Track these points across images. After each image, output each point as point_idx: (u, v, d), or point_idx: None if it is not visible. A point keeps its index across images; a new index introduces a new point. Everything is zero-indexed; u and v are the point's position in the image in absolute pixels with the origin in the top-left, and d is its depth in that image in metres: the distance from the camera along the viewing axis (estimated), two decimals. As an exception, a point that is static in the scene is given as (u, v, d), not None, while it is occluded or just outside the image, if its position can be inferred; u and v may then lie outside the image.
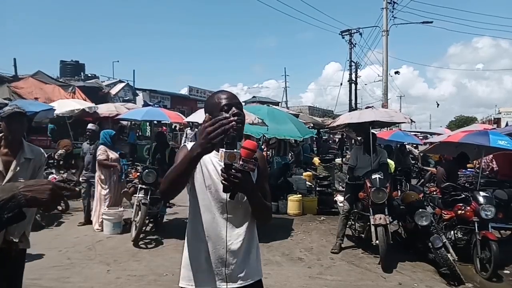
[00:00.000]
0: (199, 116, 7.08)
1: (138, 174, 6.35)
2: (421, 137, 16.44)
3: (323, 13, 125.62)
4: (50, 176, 7.74)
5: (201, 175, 1.65)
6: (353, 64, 26.07)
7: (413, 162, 12.76)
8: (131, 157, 12.51)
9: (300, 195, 8.26)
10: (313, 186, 9.48)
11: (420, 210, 4.95)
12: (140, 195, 5.84)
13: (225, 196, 1.58)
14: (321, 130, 17.20)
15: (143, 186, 5.89)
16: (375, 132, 7.44)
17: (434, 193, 6.09)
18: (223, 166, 1.45)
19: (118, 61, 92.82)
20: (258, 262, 1.78)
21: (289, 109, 24.39)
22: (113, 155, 6.40)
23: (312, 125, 15.45)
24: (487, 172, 7.80)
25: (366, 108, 9.92)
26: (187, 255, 1.70)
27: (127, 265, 4.76)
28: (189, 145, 1.71)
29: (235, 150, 1.44)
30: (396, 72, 25.20)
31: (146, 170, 5.96)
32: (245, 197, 1.61)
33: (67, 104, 12.87)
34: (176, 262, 4.59)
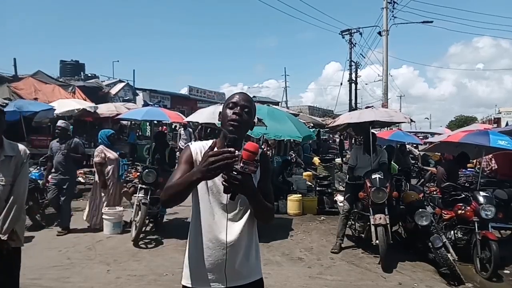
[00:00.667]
0: (199, 116, 7.10)
1: (138, 174, 6.34)
2: (421, 137, 16.45)
3: (323, 13, 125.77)
4: (50, 176, 7.72)
5: None
6: (353, 64, 26.09)
7: (413, 162, 12.76)
8: (131, 157, 12.52)
9: (300, 195, 8.26)
10: (313, 186, 9.48)
11: (420, 210, 4.95)
12: (140, 195, 5.84)
13: (226, 197, 1.60)
14: (320, 130, 17.20)
15: (143, 186, 5.89)
16: (375, 132, 7.44)
17: (434, 193, 6.09)
18: None
19: (118, 61, 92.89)
20: (258, 262, 1.79)
21: (289, 109, 24.39)
22: (111, 154, 6.39)
23: (312, 125, 15.45)
24: (487, 172, 7.80)
25: (366, 108, 9.92)
26: (188, 254, 1.72)
27: (127, 265, 4.76)
28: (193, 146, 1.73)
29: (236, 152, 1.45)
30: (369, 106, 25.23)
31: (146, 170, 5.96)
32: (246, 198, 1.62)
33: (67, 104, 12.87)
34: (176, 262, 4.60)
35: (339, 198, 6.95)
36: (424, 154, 12.36)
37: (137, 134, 16.45)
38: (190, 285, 1.68)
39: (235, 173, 1.45)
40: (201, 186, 1.66)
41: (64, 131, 6.21)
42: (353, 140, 17.80)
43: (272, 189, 1.79)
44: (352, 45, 25.24)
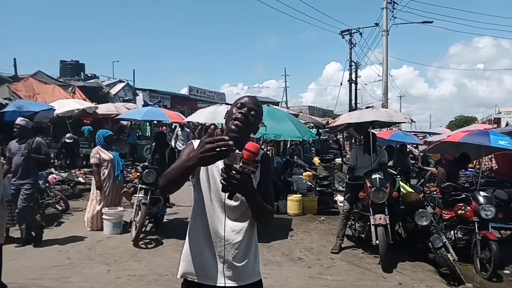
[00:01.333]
0: (199, 116, 7.09)
1: (138, 174, 6.34)
2: (421, 137, 16.45)
3: (323, 13, 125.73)
4: (50, 176, 7.75)
5: (205, 173, 1.68)
6: (353, 64, 26.10)
7: (413, 162, 12.76)
8: (131, 157, 12.52)
9: (300, 195, 8.26)
10: (313, 186, 9.48)
11: (420, 210, 4.95)
12: (140, 195, 5.83)
13: (225, 195, 1.60)
14: (320, 130, 17.19)
15: (143, 186, 5.89)
16: (375, 132, 7.44)
17: (434, 193, 6.09)
18: (223, 166, 1.46)
19: (118, 61, 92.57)
20: (257, 264, 1.78)
21: (289, 109, 24.37)
22: (106, 155, 6.38)
23: (312, 125, 15.44)
24: (487, 172, 7.80)
25: (366, 108, 9.91)
26: (186, 249, 1.72)
27: (127, 265, 4.76)
28: (196, 142, 1.72)
29: (236, 151, 1.44)
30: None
31: (146, 170, 5.96)
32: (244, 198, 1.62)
33: (67, 104, 12.88)
34: (176, 262, 4.57)
35: (339, 198, 6.95)
36: (424, 154, 12.35)
37: (137, 134, 16.45)
38: (188, 278, 1.69)
39: (234, 172, 1.45)
40: (202, 184, 1.68)
41: (23, 129, 5.40)
42: (353, 140, 17.80)
43: (272, 192, 1.79)
44: (352, 45, 25.28)
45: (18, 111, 10.58)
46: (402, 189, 5.87)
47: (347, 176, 6.12)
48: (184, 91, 30.99)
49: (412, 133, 14.90)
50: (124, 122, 15.78)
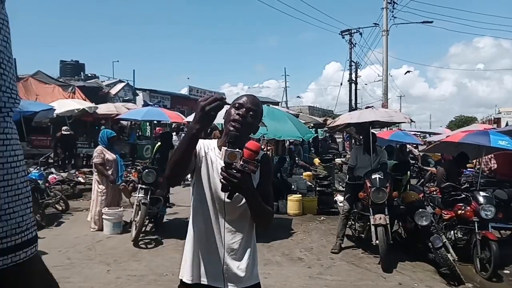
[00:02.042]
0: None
1: (138, 174, 6.34)
2: (421, 137, 16.46)
3: (324, 13, 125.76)
4: (50, 176, 7.74)
5: (205, 172, 1.67)
6: (353, 64, 26.10)
7: (413, 162, 12.76)
8: (131, 157, 12.51)
9: (300, 195, 8.26)
10: (313, 186, 9.48)
11: (420, 210, 4.95)
12: (140, 195, 5.83)
13: (224, 196, 1.58)
14: (319, 130, 17.21)
15: (143, 186, 5.89)
16: (375, 132, 7.45)
17: (434, 193, 6.10)
18: (223, 165, 1.45)
19: (118, 61, 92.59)
20: (255, 266, 1.76)
21: (289, 109, 24.37)
22: (110, 156, 6.37)
23: (312, 125, 15.45)
24: (487, 172, 7.81)
25: (366, 108, 9.92)
26: (186, 250, 1.71)
27: (127, 265, 4.76)
28: (201, 141, 1.71)
29: (236, 150, 1.43)
30: (407, 72, 25.34)
31: (146, 170, 5.96)
32: (244, 199, 1.60)
33: (67, 104, 12.91)
34: (176, 262, 4.59)
35: (339, 198, 6.96)
36: (424, 154, 12.36)
37: (137, 134, 16.47)
38: (189, 281, 1.67)
39: (235, 171, 1.43)
40: (202, 183, 1.66)
41: None
42: (353, 141, 17.80)
43: (272, 193, 1.76)
44: (352, 45, 25.28)
45: (18, 111, 10.58)
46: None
47: (347, 176, 6.12)
48: (184, 91, 31.01)
49: (412, 133, 14.89)
50: (124, 122, 15.79)
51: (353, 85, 26.33)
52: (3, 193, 0.76)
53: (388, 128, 13.97)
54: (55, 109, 11.68)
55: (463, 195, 5.31)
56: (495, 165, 7.76)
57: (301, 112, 21.51)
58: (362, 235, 5.61)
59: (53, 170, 8.65)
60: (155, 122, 9.88)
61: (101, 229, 6.20)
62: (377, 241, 4.86)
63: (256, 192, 1.60)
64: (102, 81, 21.15)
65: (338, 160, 13.96)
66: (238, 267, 1.66)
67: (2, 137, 0.80)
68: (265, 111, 8.22)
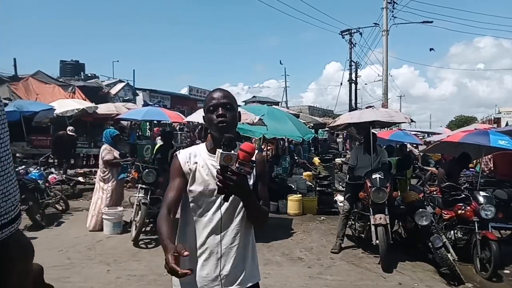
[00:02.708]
0: (199, 116, 7.09)
1: (139, 173, 6.34)
2: (421, 137, 16.44)
3: (324, 13, 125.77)
4: (50, 176, 7.75)
5: (199, 178, 1.65)
6: (353, 64, 26.09)
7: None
8: (131, 157, 12.47)
9: (300, 195, 8.26)
10: (313, 186, 9.48)
11: (420, 210, 4.95)
12: (140, 195, 5.84)
13: (220, 198, 1.57)
14: (320, 130, 17.21)
15: (143, 186, 5.89)
16: (375, 132, 7.44)
17: (434, 193, 6.09)
18: (219, 168, 1.44)
19: (118, 61, 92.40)
20: (255, 266, 1.75)
21: (289, 109, 24.38)
22: (117, 154, 6.53)
23: (312, 125, 15.45)
24: (487, 172, 7.80)
25: (367, 108, 9.92)
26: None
27: (127, 265, 4.76)
28: (180, 155, 1.70)
29: (232, 152, 1.43)
30: (431, 49, 23.83)
31: (146, 170, 5.96)
32: (240, 200, 1.59)
33: (67, 104, 12.91)
34: (176, 262, 4.59)
35: (339, 198, 6.96)
36: (424, 154, 12.34)
37: (137, 134, 16.47)
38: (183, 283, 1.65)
39: (230, 173, 1.43)
40: (195, 187, 1.64)
41: None
42: (353, 140, 17.79)
43: (267, 193, 1.76)
44: (352, 45, 25.26)
45: (18, 111, 10.60)
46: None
47: (347, 176, 6.11)
48: (184, 91, 31.02)
49: (412, 133, 14.88)
50: (124, 122, 15.78)
51: (353, 85, 26.31)
52: None
53: (388, 128, 13.96)
54: (55, 109, 11.68)
55: (463, 195, 5.31)
56: (493, 165, 7.76)
57: (301, 112, 21.51)
58: (362, 235, 5.61)
59: (53, 170, 8.65)
60: (155, 122, 9.85)
61: (100, 229, 6.19)
62: (377, 241, 4.86)
63: (252, 193, 1.59)
64: (102, 81, 21.15)
65: (338, 160, 13.97)
66: (238, 268, 1.65)
67: None
68: (265, 111, 8.26)
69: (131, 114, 10.18)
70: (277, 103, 31.86)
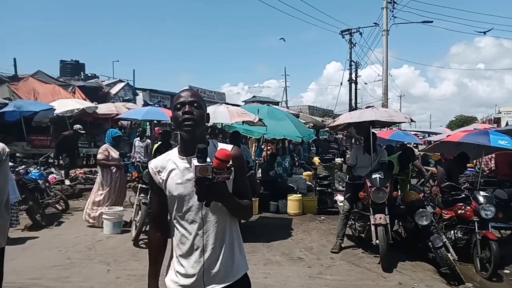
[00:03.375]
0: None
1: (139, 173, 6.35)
2: (421, 137, 16.45)
3: (324, 13, 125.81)
4: (50, 176, 7.74)
5: (173, 185, 1.66)
6: (353, 63, 26.09)
7: (412, 162, 12.72)
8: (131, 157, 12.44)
9: (300, 195, 8.26)
10: (313, 186, 9.47)
11: (420, 209, 4.95)
12: (140, 195, 5.84)
13: (200, 204, 1.59)
14: (320, 130, 17.19)
15: (143, 186, 5.89)
16: (375, 132, 7.44)
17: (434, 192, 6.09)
18: (196, 180, 1.46)
19: (118, 61, 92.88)
20: (242, 257, 1.75)
21: (289, 108, 24.38)
22: (115, 154, 6.51)
23: (312, 125, 15.45)
24: (487, 172, 7.80)
25: (367, 107, 9.92)
26: (170, 256, 1.75)
27: (127, 264, 4.76)
28: (151, 165, 1.73)
29: (206, 163, 1.44)
30: (485, 32, 20.87)
31: (146, 170, 5.95)
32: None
33: (67, 103, 12.89)
34: (176, 262, 4.59)
35: (339, 198, 6.95)
36: (424, 154, 12.35)
37: (137, 134, 16.47)
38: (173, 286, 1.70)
39: (207, 183, 1.44)
40: (173, 193, 1.65)
41: None
42: (353, 140, 17.80)
43: (248, 185, 1.75)
44: (352, 45, 25.26)
45: (18, 111, 10.60)
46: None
47: (347, 175, 6.11)
48: (184, 91, 30.95)
49: (412, 133, 14.88)
50: (124, 122, 15.78)
51: (353, 84, 26.32)
52: None
53: (388, 128, 13.96)
54: (55, 109, 11.67)
55: (463, 195, 5.31)
56: (494, 165, 7.76)
57: (301, 112, 21.51)
58: (362, 235, 5.61)
59: (53, 170, 8.65)
60: (155, 122, 9.85)
61: (100, 225, 6.20)
62: (377, 241, 4.86)
63: (232, 196, 1.60)
64: (102, 81, 21.16)
65: (338, 160, 13.96)
66: (225, 264, 1.65)
67: None
68: (265, 111, 8.28)
69: (131, 114, 10.19)
70: (277, 103, 31.86)
